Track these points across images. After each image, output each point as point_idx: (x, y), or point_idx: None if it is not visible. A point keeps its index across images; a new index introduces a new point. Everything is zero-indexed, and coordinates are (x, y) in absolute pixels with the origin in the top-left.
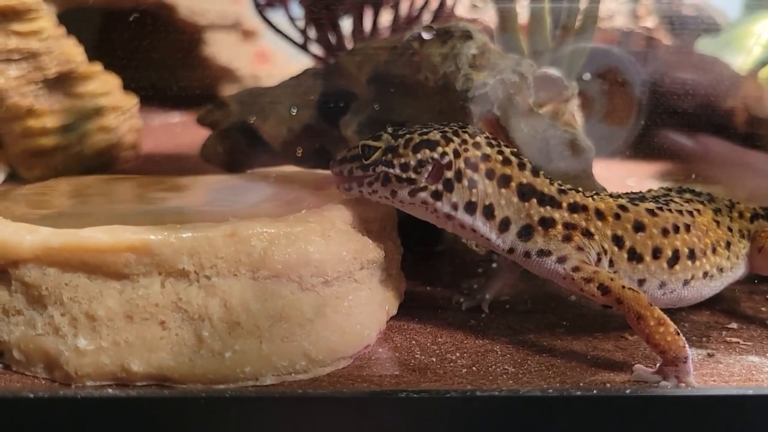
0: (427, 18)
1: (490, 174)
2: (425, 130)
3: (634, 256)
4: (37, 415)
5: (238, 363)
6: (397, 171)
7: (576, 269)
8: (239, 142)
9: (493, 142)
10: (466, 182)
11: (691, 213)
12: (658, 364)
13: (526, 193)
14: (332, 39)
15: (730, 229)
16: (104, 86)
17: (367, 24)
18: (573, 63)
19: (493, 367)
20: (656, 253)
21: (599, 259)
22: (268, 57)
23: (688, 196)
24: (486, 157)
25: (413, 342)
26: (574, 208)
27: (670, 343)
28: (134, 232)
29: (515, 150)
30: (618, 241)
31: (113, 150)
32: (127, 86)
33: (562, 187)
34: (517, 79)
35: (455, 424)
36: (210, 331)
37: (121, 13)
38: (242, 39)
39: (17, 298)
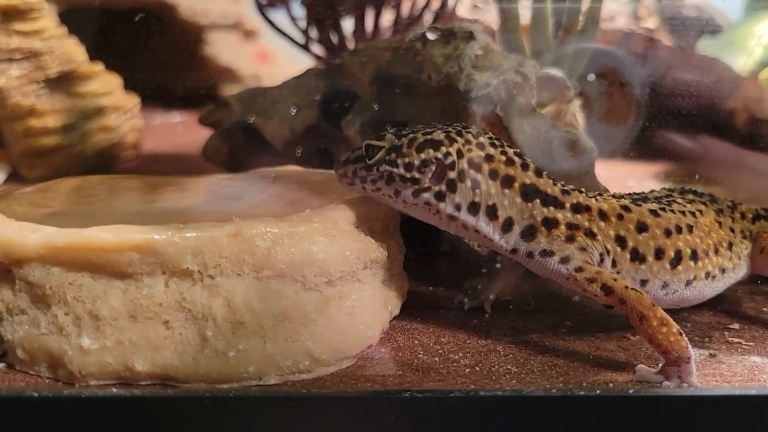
0: (428, 18)
1: (493, 174)
2: (429, 130)
3: (637, 257)
4: (40, 415)
5: (242, 362)
6: (401, 171)
7: (579, 269)
8: (241, 141)
9: (497, 143)
10: (469, 182)
11: (693, 214)
12: (660, 365)
13: (529, 193)
14: (334, 39)
15: (732, 230)
16: (106, 86)
17: (369, 24)
18: (575, 63)
19: (496, 367)
20: (659, 254)
21: (602, 260)
22: (269, 57)
23: (690, 196)
24: (489, 158)
25: (416, 342)
26: (577, 208)
27: (673, 343)
28: (138, 231)
29: (518, 150)
30: (621, 241)
31: (114, 149)
32: (129, 86)
33: (565, 188)
34: (519, 79)
35: (458, 424)
36: (214, 331)
37: (122, 13)
38: (243, 39)
39: (21, 298)
